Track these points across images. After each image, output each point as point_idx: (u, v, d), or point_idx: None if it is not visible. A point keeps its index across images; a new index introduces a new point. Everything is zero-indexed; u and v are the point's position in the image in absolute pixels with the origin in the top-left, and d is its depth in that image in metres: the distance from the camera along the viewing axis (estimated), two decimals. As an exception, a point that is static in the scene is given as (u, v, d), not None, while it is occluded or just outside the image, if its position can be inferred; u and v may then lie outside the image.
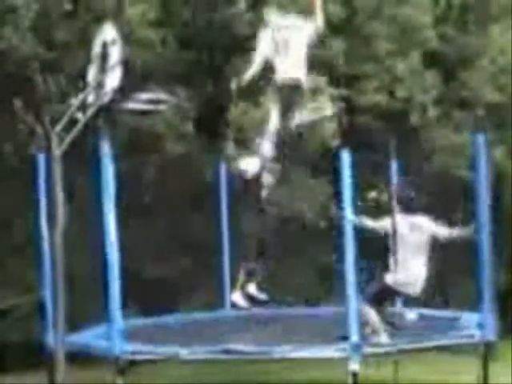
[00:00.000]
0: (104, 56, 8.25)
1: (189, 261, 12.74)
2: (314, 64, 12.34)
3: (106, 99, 8.22)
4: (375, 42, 13.02)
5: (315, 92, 11.75)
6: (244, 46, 12.78)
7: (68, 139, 7.99)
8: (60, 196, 7.93)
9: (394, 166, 10.60)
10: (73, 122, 8.25)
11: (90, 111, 8.30)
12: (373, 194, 13.63)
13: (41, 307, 9.04)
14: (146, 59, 11.75)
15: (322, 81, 11.74)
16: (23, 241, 11.89)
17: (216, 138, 12.44)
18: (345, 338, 7.71)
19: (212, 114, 12.90)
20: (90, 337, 8.58)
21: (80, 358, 8.17)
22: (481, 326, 8.38)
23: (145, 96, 8.89)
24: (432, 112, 13.12)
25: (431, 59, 13.34)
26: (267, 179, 8.77)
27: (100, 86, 8.20)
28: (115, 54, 8.12)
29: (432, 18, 13.30)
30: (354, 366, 7.61)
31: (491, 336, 8.38)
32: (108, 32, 8.37)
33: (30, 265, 11.48)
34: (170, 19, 12.83)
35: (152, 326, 9.83)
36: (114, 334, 7.78)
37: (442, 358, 10.90)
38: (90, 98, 8.34)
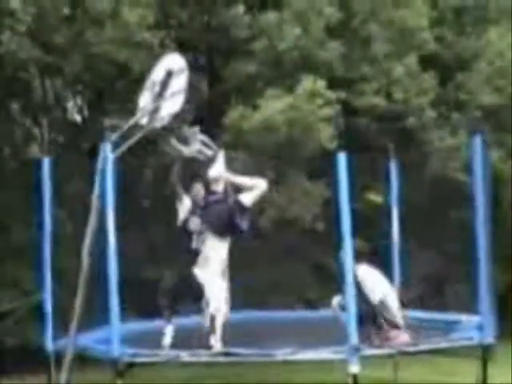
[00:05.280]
0: (165, 83, 8.43)
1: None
2: (312, 66, 12.46)
3: (160, 124, 8.41)
4: (372, 44, 13.04)
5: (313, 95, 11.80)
6: (242, 48, 12.82)
7: (118, 153, 8.06)
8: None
9: (393, 167, 10.61)
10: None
11: (142, 132, 8.45)
12: (371, 196, 13.60)
13: (40, 311, 9.04)
14: (144, 62, 11.74)
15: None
16: (21, 244, 11.87)
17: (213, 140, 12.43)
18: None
19: (210, 116, 12.90)
20: (89, 340, 8.55)
21: (79, 360, 8.14)
22: (479, 328, 8.39)
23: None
24: (429, 114, 13.12)
25: (428, 61, 13.36)
26: None
27: (156, 110, 8.39)
28: (182, 82, 8.28)
29: (429, 21, 13.32)
30: (354, 368, 7.60)
31: (490, 338, 8.39)
32: (176, 61, 8.54)
33: (27, 268, 11.48)
34: (169, 22, 12.86)
35: (151, 329, 9.80)
36: (113, 337, 7.77)
37: (441, 360, 10.91)
38: (143, 121, 8.51)
